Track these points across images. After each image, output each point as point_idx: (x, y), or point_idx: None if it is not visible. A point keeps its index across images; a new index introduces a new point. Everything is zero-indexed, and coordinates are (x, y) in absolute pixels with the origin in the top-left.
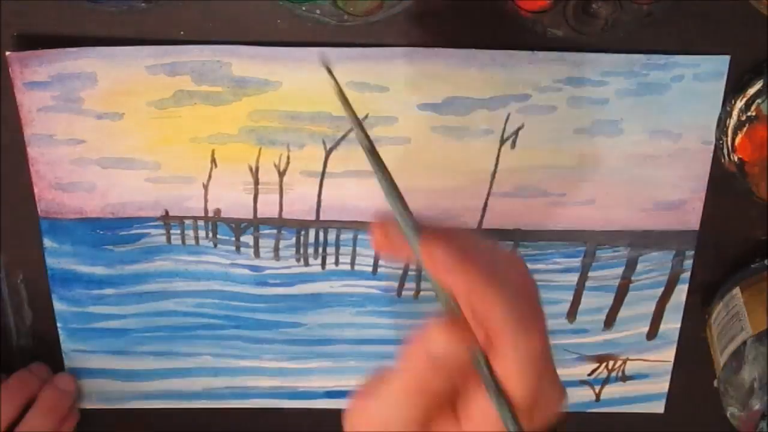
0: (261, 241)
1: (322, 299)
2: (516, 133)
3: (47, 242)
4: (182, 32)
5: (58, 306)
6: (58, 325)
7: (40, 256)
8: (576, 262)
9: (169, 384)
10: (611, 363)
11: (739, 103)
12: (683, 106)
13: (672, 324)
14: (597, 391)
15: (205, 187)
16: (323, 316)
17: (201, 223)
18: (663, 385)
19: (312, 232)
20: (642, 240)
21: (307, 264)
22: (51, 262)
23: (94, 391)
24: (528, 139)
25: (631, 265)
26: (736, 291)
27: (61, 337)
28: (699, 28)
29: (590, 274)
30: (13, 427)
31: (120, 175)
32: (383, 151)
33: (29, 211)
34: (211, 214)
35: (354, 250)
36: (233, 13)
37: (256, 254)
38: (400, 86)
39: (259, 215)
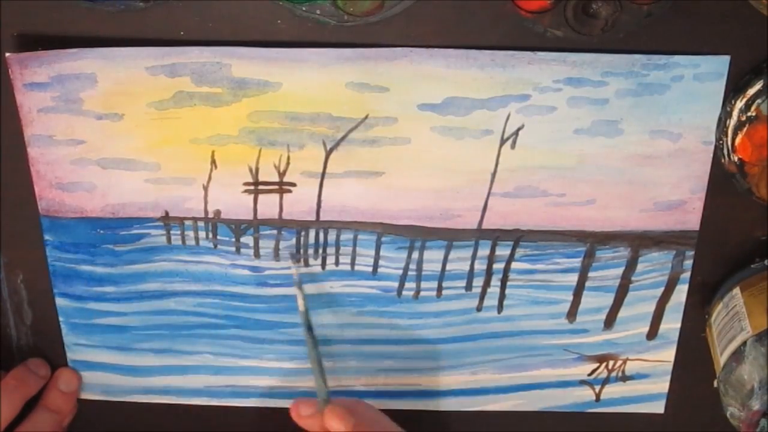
0: (261, 242)
1: (322, 299)
2: (516, 133)
3: (48, 239)
4: (182, 32)
5: (60, 301)
6: (60, 319)
7: (40, 255)
8: (576, 262)
9: (169, 380)
10: (611, 363)
11: (739, 104)
12: (683, 107)
13: (672, 324)
14: (597, 391)
15: (205, 188)
16: (323, 317)
17: (201, 224)
18: (663, 385)
19: (312, 233)
20: (642, 240)
21: (307, 264)
22: (52, 258)
23: (95, 383)
24: (528, 140)
25: (631, 265)
26: (736, 291)
27: (63, 331)
28: (699, 28)
29: (590, 274)
30: (14, 425)
31: (120, 176)
32: (383, 151)
33: (29, 211)
34: (211, 216)
35: (354, 251)
36: (233, 14)
37: (256, 255)
38: (400, 86)
39: (259, 216)
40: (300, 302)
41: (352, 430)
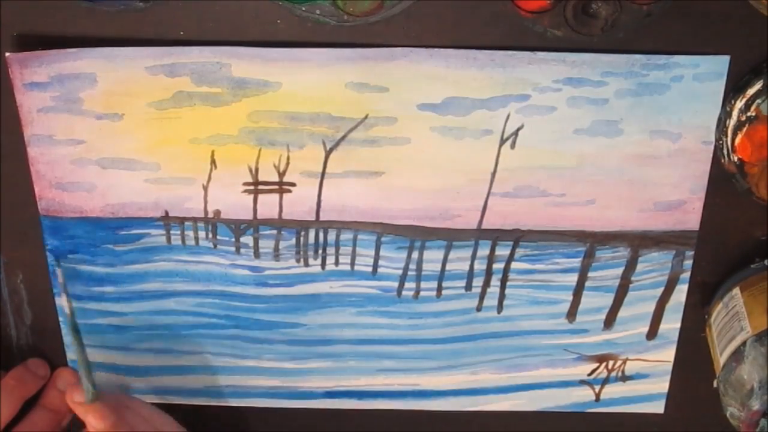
0: (261, 242)
1: (321, 299)
2: (516, 133)
3: (48, 239)
4: (182, 32)
5: (60, 301)
6: (60, 319)
7: (40, 256)
8: (576, 262)
9: (169, 381)
10: (611, 363)
11: (739, 104)
12: (683, 107)
13: (672, 324)
14: (597, 391)
15: (205, 188)
16: (323, 317)
17: (201, 224)
18: (663, 385)
19: (312, 233)
20: (642, 240)
21: (307, 264)
22: (52, 258)
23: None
24: (528, 140)
25: (630, 265)
26: (736, 291)
27: (63, 331)
28: (699, 28)
29: (590, 274)
30: (12, 425)
31: (120, 176)
32: (383, 151)
33: (29, 211)
34: (210, 215)
35: (354, 251)
36: (233, 14)
37: (256, 255)
38: (400, 86)
39: (258, 216)
40: (65, 305)
41: (110, 431)
